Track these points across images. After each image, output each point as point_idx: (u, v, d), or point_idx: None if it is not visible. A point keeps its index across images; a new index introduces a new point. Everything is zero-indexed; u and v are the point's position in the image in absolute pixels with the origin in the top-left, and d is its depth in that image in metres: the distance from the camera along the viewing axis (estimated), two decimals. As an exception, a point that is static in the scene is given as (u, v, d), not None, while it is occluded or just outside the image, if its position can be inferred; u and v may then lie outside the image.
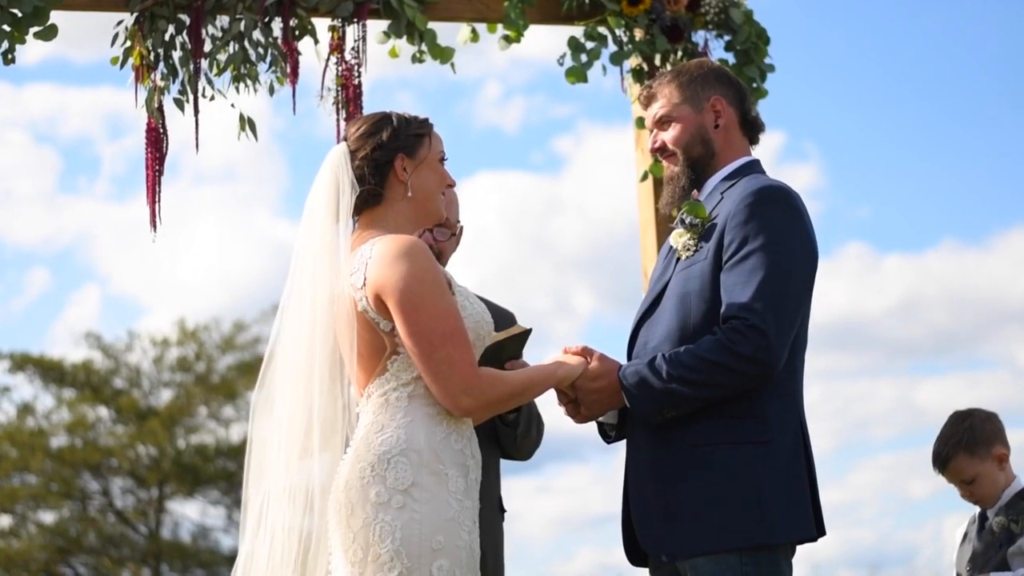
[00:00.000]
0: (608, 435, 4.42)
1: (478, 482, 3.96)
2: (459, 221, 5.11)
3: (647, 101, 4.44)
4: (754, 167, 4.36)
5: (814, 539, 4.15)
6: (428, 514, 3.79)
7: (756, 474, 4.04)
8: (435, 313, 3.84)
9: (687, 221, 4.26)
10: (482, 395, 3.87)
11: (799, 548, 4.21)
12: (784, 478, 4.06)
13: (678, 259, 4.26)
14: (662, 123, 4.39)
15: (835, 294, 34.59)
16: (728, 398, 4.06)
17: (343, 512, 3.83)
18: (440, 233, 4.96)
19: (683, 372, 4.04)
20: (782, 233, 4.11)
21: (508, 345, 4.32)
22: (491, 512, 4.99)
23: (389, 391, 3.90)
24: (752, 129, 4.44)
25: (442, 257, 4.99)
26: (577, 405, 4.23)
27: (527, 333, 4.39)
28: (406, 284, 3.84)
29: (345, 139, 4.08)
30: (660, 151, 4.40)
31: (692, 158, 4.34)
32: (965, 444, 5.15)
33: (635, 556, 4.31)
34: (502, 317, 4.97)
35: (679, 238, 4.26)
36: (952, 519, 5.32)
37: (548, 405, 4.33)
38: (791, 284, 4.09)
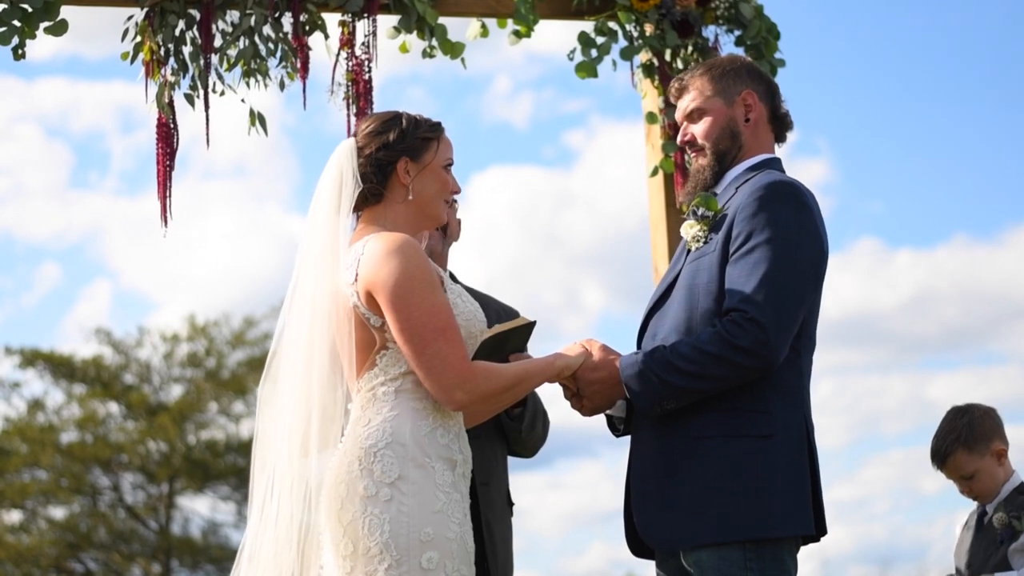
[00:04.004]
0: (617, 428, 4.43)
1: (466, 477, 3.97)
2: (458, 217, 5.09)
3: (679, 93, 4.45)
4: (772, 164, 4.37)
5: (813, 535, 4.15)
6: (416, 507, 3.81)
7: (757, 467, 4.04)
8: (426, 309, 3.85)
9: (699, 213, 4.27)
10: (475, 388, 3.89)
11: (809, 544, 4.22)
12: (785, 473, 4.06)
13: (689, 251, 4.27)
14: (693, 116, 4.40)
15: (846, 289, 34.60)
16: (729, 391, 4.07)
17: (333, 506, 3.87)
18: (432, 237, 4.93)
19: (682, 364, 4.04)
20: (789, 228, 4.11)
21: (512, 338, 4.32)
22: (499, 506, 4.99)
23: (377, 386, 3.93)
24: (781, 126, 4.45)
25: (439, 258, 4.96)
26: (581, 398, 4.24)
27: (531, 326, 4.39)
28: (396, 281, 3.85)
29: (354, 135, 4.10)
30: (689, 144, 4.41)
31: (720, 151, 4.36)
32: (964, 440, 5.14)
33: (639, 548, 4.31)
34: (507, 315, 4.96)
35: (690, 229, 4.27)
36: (963, 515, 5.31)
37: (556, 400, 4.33)
38: (794, 279, 4.09)
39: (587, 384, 4.20)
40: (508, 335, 4.31)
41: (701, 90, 4.39)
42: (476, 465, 4.81)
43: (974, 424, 5.16)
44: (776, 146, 4.46)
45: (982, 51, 33.99)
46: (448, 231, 5.00)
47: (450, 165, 4.14)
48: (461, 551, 3.86)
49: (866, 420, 36.02)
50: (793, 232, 4.12)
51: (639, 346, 4.33)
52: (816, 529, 4.15)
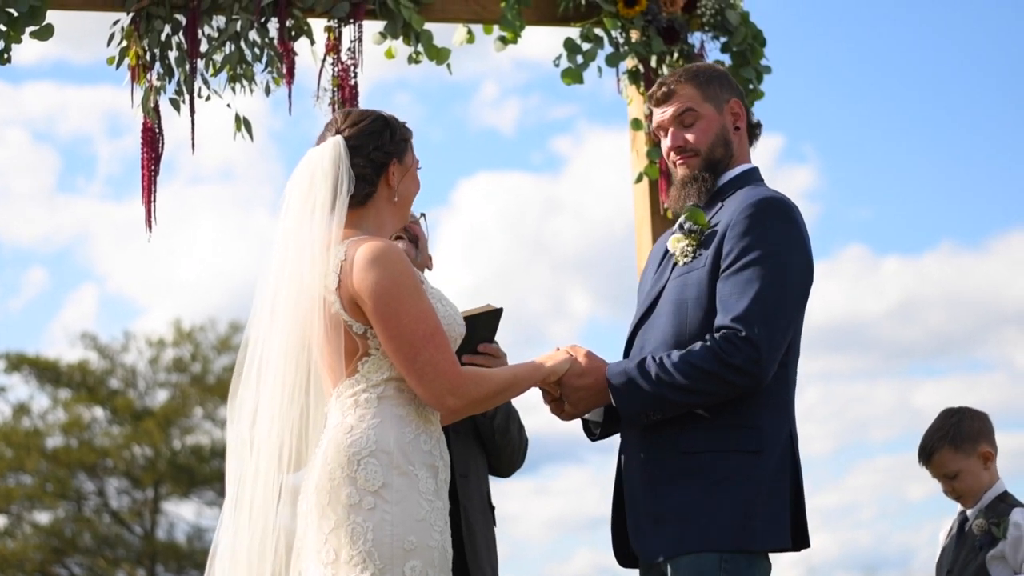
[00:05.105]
0: (593, 433, 4.41)
1: (447, 483, 3.95)
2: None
3: (664, 98, 4.35)
4: (754, 176, 4.35)
5: (791, 549, 4.15)
6: (399, 515, 3.78)
7: (746, 483, 4.04)
8: (414, 316, 3.83)
9: (686, 227, 4.25)
10: (467, 394, 3.87)
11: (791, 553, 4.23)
12: (771, 488, 4.06)
13: (674, 264, 4.25)
14: (684, 121, 4.33)
15: (833, 296, 34.66)
16: (715, 406, 4.06)
17: (314, 513, 3.82)
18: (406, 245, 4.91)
19: (672, 377, 4.03)
20: (780, 246, 4.11)
21: (479, 326, 4.29)
22: (478, 499, 4.97)
23: (359, 392, 3.89)
24: (752, 136, 4.44)
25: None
26: (561, 403, 4.22)
27: (498, 313, 4.36)
28: (383, 288, 3.82)
29: (337, 131, 4.03)
30: (679, 150, 4.33)
31: (714, 159, 4.30)
32: (950, 438, 5.18)
33: (624, 558, 4.31)
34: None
35: (677, 243, 4.24)
36: (949, 522, 5.34)
37: (542, 405, 4.31)
38: (786, 297, 4.09)
39: (573, 390, 4.18)
40: (474, 322, 4.27)
41: (691, 96, 4.31)
42: (454, 458, 4.80)
43: (963, 424, 5.20)
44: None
45: (971, 58, 34.08)
46: (419, 244, 4.97)
47: (419, 166, 4.14)
48: (442, 559, 3.83)
49: (852, 427, 36.09)
50: (784, 250, 4.11)
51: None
52: (799, 542, 4.16)
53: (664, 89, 4.36)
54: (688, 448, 4.08)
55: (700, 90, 4.32)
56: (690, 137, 4.31)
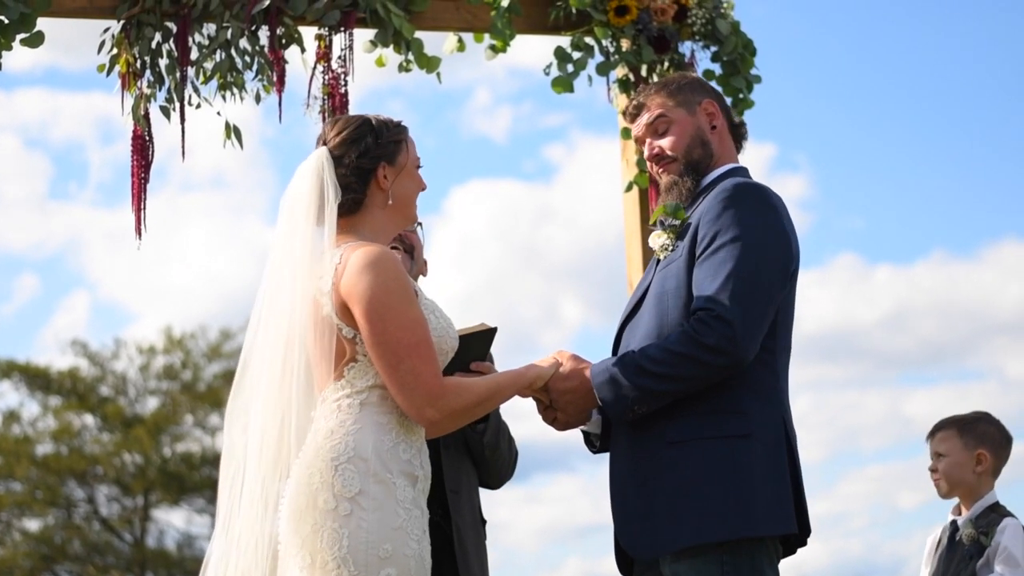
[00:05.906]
0: (593, 444, 4.41)
1: (426, 493, 3.93)
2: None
3: (636, 111, 4.40)
4: (739, 173, 4.35)
5: (796, 534, 4.10)
6: (375, 522, 3.77)
7: (737, 467, 4.01)
8: (402, 323, 3.83)
9: (665, 223, 4.26)
10: (446, 405, 3.86)
11: (787, 559, 4.20)
12: (765, 472, 4.03)
13: (658, 261, 4.27)
14: (658, 129, 4.36)
15: (825, 305, 34.69)
16: (703, 393, 4.04)
17: (292, 517, 3.82)
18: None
19: (651, 366, 4.02)
20: (753, 227, 4.10)
21: (472, 344, 4.28)
22: (469, 512, 4.96)
23: (342, 397, 3.89)
24: (738, 135, 4.45)
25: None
26: (554, 411, 4.21)
27: (492, 332, 4.35)
28: (373, 294, 3.82)
29: (324, 142, 4.04)
30: (657, 159, 4.36)
31: (693, 161, 4.32)
32: (960, 424, 5.36)
33: (626, 564, 4.27)
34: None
35: (657, 239, 4.26)
36: (937, 529, 5.36)
37: (532, 414, 4.31)
38: (761, 276, 4.07)
39: (559, 394, 4.18)
40: (469, 343, 4.26)
41: (662, 104, 4.35)
42: (445, 473, 4.80)
43: (980, 423, 5.37)
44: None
45: (962, 67, 34.14)
46: (415, 254, 4.97)
47: (419, 165, 4.13)
48: (419, 568, 3.82)
49: (844, 435, 36.05)
50: (758, 231, 4.11)
51: (613, 359, 4.30)
52: (800, 529, 4.11)
53: (635, 103, 4.42)
54: (674, 438, 4.07)
55: (670, 97, 4.36)
56: (664, 144, 4.34)
